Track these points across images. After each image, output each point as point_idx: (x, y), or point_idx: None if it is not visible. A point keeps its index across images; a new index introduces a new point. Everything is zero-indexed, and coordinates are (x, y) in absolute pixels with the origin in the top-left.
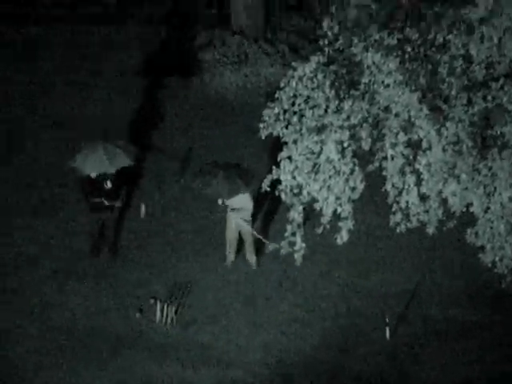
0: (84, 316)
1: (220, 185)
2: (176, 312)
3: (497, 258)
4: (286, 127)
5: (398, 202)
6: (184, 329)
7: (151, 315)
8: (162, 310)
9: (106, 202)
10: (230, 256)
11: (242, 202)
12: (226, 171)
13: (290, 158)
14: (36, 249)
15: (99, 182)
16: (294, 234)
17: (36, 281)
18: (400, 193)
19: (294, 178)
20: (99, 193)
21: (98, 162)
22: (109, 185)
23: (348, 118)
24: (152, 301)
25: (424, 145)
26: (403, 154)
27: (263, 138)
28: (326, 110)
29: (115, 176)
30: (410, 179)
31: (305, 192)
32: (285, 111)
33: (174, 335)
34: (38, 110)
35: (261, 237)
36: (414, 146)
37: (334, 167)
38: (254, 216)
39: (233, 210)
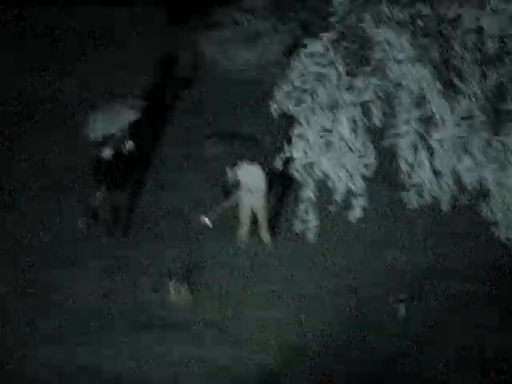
0: (94, 296)
1: (226, 149)
2: (190, 291)
3: (511, 233)
4: (298, 104)
5: (411, 178)
6: (198, 308)
7: (165, 294)
8: (175, 289)
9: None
10: (243, 234)
11: (255, 180)
12: (234, 138)
13: (302, 135)
14: (44, 231)
15: (116, 151)
16: (307, 212)
17: (42, 262)
18: (413, 169)
19: (306, 155)
20: (116, 167)
21: (121, 116)
22: (131, 145)
23: (360, 94)
24: (166, 279)
25: (437, 120)
26: (416, 130)
27: (275, 115)
28: (337, 87)
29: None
30: (423, 155)
31: (317, 169)
32: (296, 89)
33: (189, 314)
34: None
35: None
36: (427, 121)
37: (347, 144)
38: (267, 195)
39: (246, 189)
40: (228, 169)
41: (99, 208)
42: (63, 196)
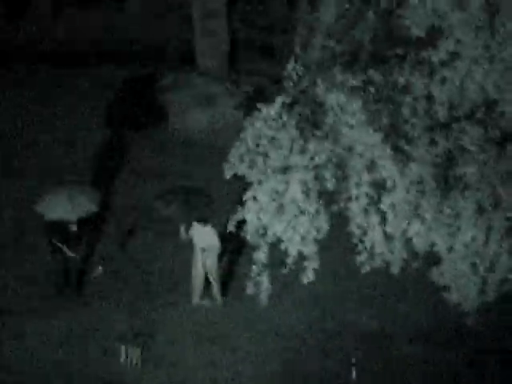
0: (46, 356)
1: (178, 208)
2: (141, 354)
3: (461, 297)
4: (251, 168)
5: (362, 242)
6: (149, 372)
7: (116, 357)
8: (126, 352)
9: (66, 250)
10: (196, 295)
11: (209, 240)
12: (187, 195)
13: (254, 198)
14: None
15: (63, 225)
16: (259, 274)
17: None
18: (364, 232)
19: (259, 218)
20: (62, 237)
21: (61, 208)
22: (74, 228)
23: (312, 158)
24: (117, 344)
25: (388, 185)
26: (367, 194)
27: (228, 178)
28: (290, 151)
29: (81, 220)
30: (374, 219)
31: (270, 232)
32: (249, 151)
33: (139, 378)
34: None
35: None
36: (378, 185)
37: (299, 207)
38: (220, 256)
39: (200, 249)
40: (182, 229)
41: (53, 270)
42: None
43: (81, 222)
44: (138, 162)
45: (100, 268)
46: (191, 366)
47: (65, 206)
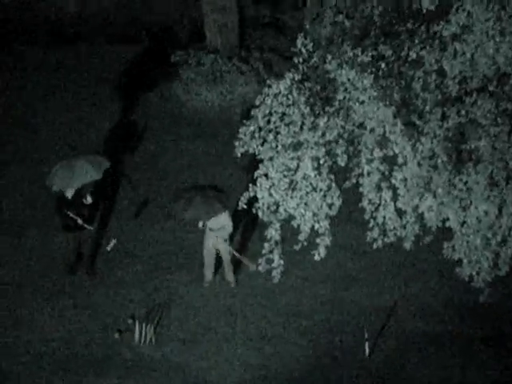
0: (59, 336)
1: (198, 209)
2: (155, 332)
3: (474, 272)
4: (262, 144)
5: (374, 218)
6: (163, 349)
7: (130, 335)
8: (140, 330)
9: (81, 221)
10: (208, 275)
11: (221, 221)
12: (203, 195)
13: (266, 175)
14: (10, 267)
15: (75, 200)
16: (271, 251)
17: (9, 299)
18: (377, 208)
19: (270, 195)
20: (75, 212)
21: (84, 173)
22: (89, 200)
23: (323, 134)
24: (130, 321)
25: (399, 160)
26: (379, 170)
27: (239, 155)
28: (301, 127)
29: (93, 191)
30: (387, 194)
31: (282, 209)
32: (260, 128)
33: (153, 355)
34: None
35: (239, 255)
36: (390, 161)
37: (311, 184)
38: (231, 234)
39: (211, 229)
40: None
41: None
42: (24, 235)
43: (95, 195)
44: (149, 140)
45: (114, 240)
46: (205, 343)
47: (87, 170)
